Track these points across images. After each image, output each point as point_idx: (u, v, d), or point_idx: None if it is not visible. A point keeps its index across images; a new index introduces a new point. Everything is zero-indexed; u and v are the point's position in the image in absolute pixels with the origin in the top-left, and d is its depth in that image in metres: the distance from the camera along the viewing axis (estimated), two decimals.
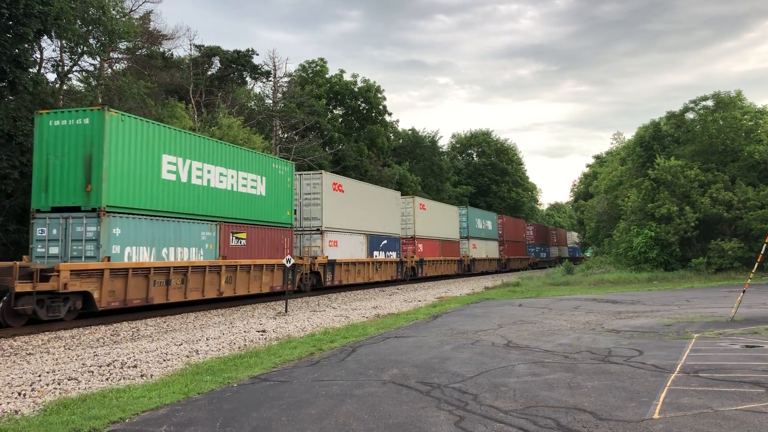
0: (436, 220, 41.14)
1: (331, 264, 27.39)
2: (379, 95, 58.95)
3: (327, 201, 27.16)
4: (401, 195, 37.84)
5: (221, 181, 20.20)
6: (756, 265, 16.77)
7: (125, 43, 31.82)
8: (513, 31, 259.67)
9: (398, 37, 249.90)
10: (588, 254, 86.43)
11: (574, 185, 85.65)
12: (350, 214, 29.53)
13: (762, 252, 16.79)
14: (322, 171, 29.21)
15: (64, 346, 12.40)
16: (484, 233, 50.99)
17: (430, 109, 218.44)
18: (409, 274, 35.64)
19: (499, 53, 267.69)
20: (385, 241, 32.89)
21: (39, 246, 15.83)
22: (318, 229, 26.93)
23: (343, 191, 28.82)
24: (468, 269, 46.40)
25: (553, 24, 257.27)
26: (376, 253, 31.79)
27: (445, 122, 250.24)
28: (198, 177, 19.05)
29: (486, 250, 51.17)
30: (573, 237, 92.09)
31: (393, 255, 33.65)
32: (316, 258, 26.11)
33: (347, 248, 29.27)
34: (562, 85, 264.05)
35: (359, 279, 30.56)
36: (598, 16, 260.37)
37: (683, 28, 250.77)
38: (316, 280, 26.64)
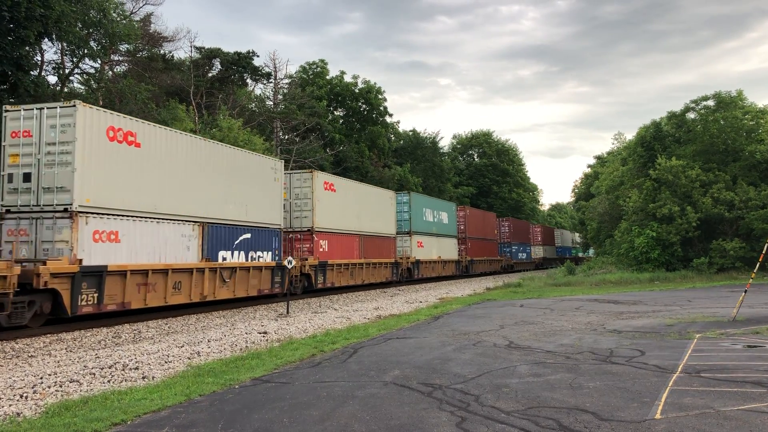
0: (355, 207, 29.85)
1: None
2: (380, 96, 59.02)
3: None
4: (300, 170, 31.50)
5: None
6: (758, 265, 16.74)
7: (126, 45, 31.89)
8: (514, 32, 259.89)
9: (400, 39, 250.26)
10: (590, 254, 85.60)
11: (576, 185, 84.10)
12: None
13: (764, 252, 16.77)
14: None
15: (65, 349, 12.41)
16: (437, 228, 41.04)
17: (431, 110, 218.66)
18: (304, 285, 25.42)
19: (500, 54, 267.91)
20: (247, 235, 21.47)
21: None
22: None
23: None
24: (409, 274, 35.99)
25: (554, 25, 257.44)
26: (223, 254, 20.26)
27: (446, 123, 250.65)
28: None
29: (438, 249, 40.93)
30: (564, 235, 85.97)
31: (265, 256, 22.35)
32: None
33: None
34: (564, 85, 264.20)
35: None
36: (599, 17, 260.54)
37: (685, 28, 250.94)
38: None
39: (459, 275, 45.67)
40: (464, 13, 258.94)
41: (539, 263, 69.53)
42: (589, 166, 73.78)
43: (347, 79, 58.33)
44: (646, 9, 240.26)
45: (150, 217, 17.01)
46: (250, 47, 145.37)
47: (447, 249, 43.03)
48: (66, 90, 28.81)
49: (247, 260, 21.27)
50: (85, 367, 10.01)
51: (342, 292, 29.00)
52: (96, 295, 14.91)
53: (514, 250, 59.73)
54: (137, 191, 16.58)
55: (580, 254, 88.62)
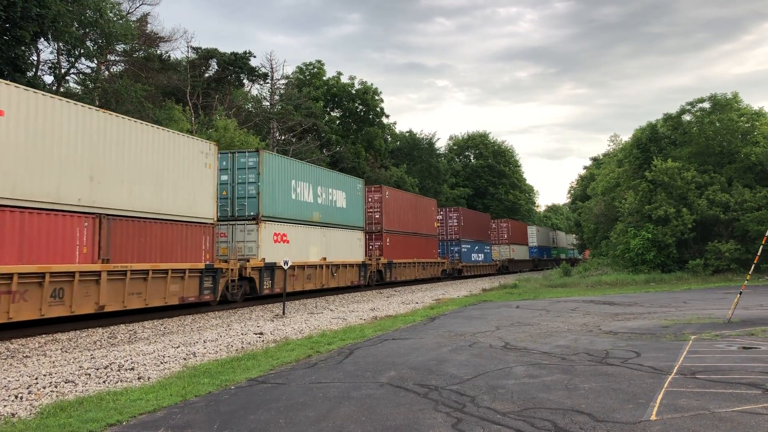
0: (138, 162, 17.37)
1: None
2: (377, 97, 59.09)
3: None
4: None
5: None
6: (753, 267, 16.79)
7: (122, 45, 31.83)
8: (512, 34, 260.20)
9: (398, 40, 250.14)
10: (576, 254, 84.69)
11: (572, 187, 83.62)
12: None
13: (759, 253, 16.84)
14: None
15: (61, 349, 12.37)
16: (325, 213, 27.63)
17: (428, 111, 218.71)
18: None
19: (498, 56, 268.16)
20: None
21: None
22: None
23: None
24: (250, 290, 22.33)
25: (552, 27, 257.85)
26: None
27: (443, 125, 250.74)
28: None
29: (326, 246, 27.34)
30: (541, 233, 74.74)
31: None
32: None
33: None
34: (561, 87, 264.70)
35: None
36: (597, 19, 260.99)
37: (682, 31, 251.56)
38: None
39: (364, 286, 31.71)
40: (462, 14, 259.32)
41: (502, 266, 57.90)
42: (585, 167, 73.80)
43: (344, 80, 58.42)
44: (643, 11, 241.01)
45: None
46: (248, 48, 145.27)
47: (347, 246, 29.62)
48: (62, 90, 28.74)
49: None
50: (80, 367, 9.98)
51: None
52: None
53: (464, 250, 47.18)
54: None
55: (564, 255, 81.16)
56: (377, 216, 33.63)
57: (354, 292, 30.02)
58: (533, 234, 71.09)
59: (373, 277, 32.53)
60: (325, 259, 27.13)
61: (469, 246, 48.46)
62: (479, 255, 50.95)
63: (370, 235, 33.23)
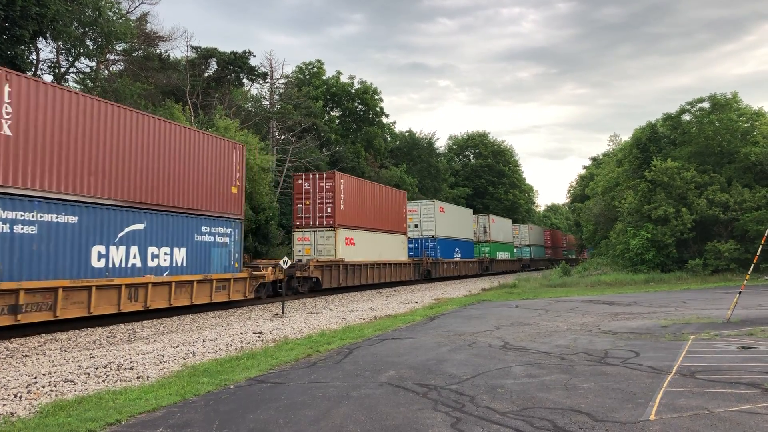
0: None
1: None
2: (376, 97, 59.07)
3: None
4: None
5: None
6: (752, 267, 16.79)
7: (122, 44, 31.81)
8: (514, 34, 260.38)
9: (401, 40, 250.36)
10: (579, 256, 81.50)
11: (571, 187, 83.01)
12: None
13: (758, 253, 16.86)
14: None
15: (60, 348, 12.36)
16: None
17: (430, 111, 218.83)
18: None
19: (500, 56, 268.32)
20: None
21: None
22: None
23: None
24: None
25: (554, 27, 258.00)
26: None
27: (444, 124, 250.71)
28: None
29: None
30: (525, 231, 66.50)
31: None
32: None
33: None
34: (562, 87, 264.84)
35: None
36: (599, 20, 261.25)
37: (684, 31, 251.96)
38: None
39: (292, 294, 25.43)
40: (465, 15, 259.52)
41: (484, 267, 51.61)
42: (585, 167, 73.75)
43: (343, 79, 58.40)
44: (645, 12, 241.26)
45: None
46: (252, 48, 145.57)
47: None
48: None
49: None
50: (79, 366, 9.98)
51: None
52: None
53: (442, 249, 41.96)
54: None
55: (535, 256, 69.31)
56: (329, 209, 28.57)
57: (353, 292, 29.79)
58: (525, 232, 67.52)
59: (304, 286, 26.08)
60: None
61: (447, 244, 43.22)
62: (458, 254, 45.70)
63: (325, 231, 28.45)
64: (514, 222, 69.83)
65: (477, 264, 50.49)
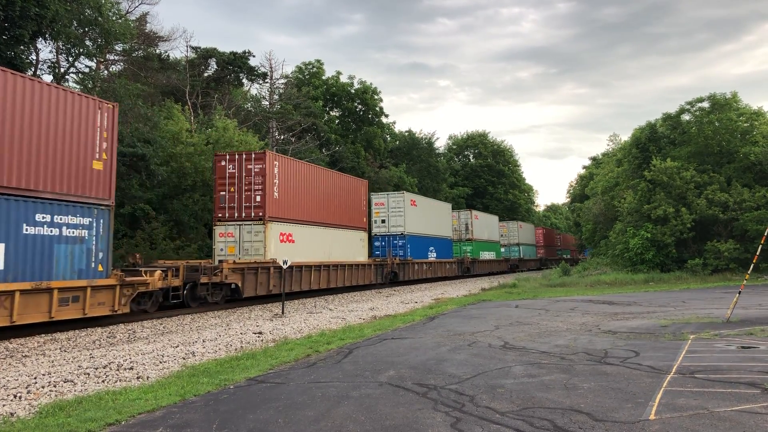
0: None
1: None
2: (376, 97, 59.03)
3: None
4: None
5: None
6: (752, 267, 16.80)
7: (121, 44, 31.79)
8: (514, 34, 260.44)
9: (400, 40, 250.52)
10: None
11: (571, 186, 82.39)
12: None
13: (758, 253, 16.86)
14: None
15: (60, 348, 12.36)
16: None
17: (430, 111, 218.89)
18: None
19: (499, 56, 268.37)
20: None
21: None
22: None
23: None
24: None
25: (554, 27, 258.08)
26: None
27: (444, 124, 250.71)
28: None
29: None
30: (514, 229, 62.40)
31: None
32: None
33: None
34: (562, 87, 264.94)
35: None
36: (598, 19, 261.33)
37: (683, 31, 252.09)
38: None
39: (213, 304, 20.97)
40: (465, 15, 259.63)
41: (465, 268, 47.15)
42: (584, 167, 73.65)
43: (343, 79, 58.39)
44: (645, 12, 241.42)
45: None
46: (252, 48, 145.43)
47: None
48: None
49: None
50: (79, 366, 9.97)
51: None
52: None
53: (412, 248, 36.86)
54: None
55: (525, 256, 65.30)
56: (258, 198, 22.74)
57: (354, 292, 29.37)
58: (514, 230, 63.73)
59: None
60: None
61: (420, 242, 38.24)
62: (433, 254, 40.72)
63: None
64: (505, 220, 66.23)
65: (456, 265, 45.36)
